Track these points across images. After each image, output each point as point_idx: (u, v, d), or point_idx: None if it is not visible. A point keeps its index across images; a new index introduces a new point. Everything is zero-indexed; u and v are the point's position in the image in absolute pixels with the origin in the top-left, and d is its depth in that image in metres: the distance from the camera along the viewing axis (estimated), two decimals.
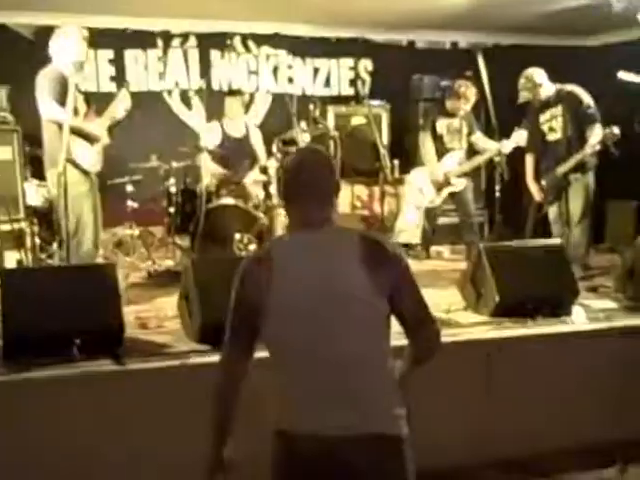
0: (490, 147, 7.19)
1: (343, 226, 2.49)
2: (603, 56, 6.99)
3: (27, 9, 7.43)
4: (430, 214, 7.45)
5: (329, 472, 2.31)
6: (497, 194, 6.94)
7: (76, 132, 5.37)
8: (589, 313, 5.16)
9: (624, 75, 7.12)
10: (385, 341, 2.45)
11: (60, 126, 5.29)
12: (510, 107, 7.35)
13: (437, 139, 7.32)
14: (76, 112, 5.46)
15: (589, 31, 9.29)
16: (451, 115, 7.33)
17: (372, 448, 2.32)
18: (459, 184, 7.23)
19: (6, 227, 6.25)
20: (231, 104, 7.31)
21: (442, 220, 7.71)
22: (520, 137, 6.94)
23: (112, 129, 5.84)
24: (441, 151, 7.30)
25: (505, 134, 7.27)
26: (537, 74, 6.52)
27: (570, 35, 9.33)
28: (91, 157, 5.61)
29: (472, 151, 7.39)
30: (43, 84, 5.43)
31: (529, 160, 6.70)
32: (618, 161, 6.22)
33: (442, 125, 7.32)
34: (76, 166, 5.43)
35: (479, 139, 7.34)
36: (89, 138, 5.58)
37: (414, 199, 7.51)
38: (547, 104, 6.51)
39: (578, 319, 5.04)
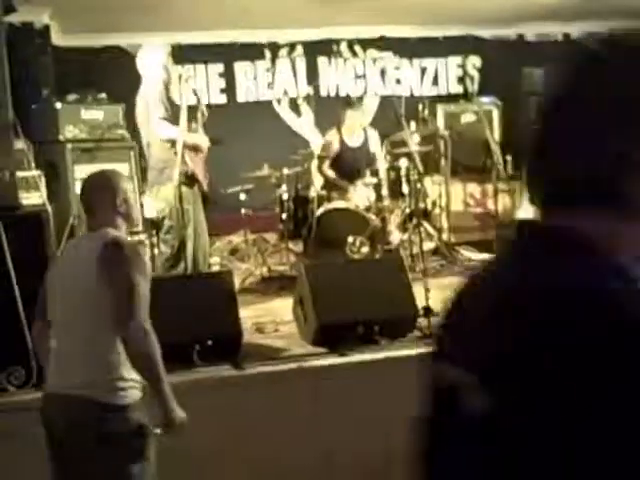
0: None
1: (105, 230, 2.83)
2: None
3: (136, 30, 7.67)
4: None
5: (46, 425, 2.76)
6: None
7: (186, 146, 5.50)
8: None
9: None
10: (103, 322, 2.68)
11: (171, 142, 5.46)
12: None
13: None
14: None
15: None
16: None
17: (67, 407, 2.71)
18: None
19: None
20: (352, 116, 7.27)
21: None
22: None
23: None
24: None
25: None
26: None
27: None
28: (200, 169, 5.73)
29: None
30: (148, 105, 5.60)
31: None
32: None
33: None
34: (187, 178, 5.55)
35: None
36: (196, 149, 5.70)
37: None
38: None
39: None
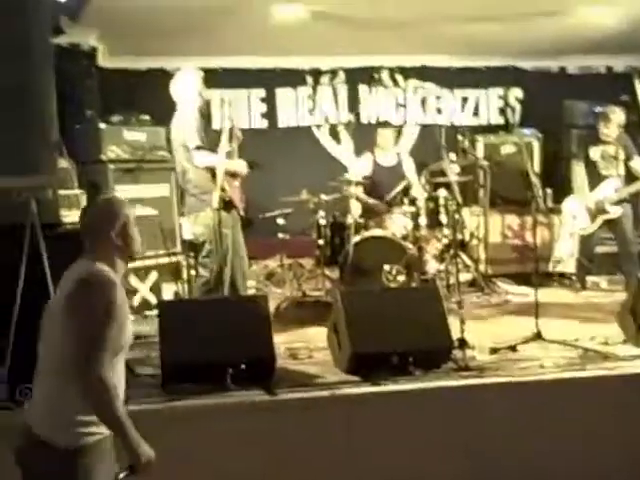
0: None
1: (88, 261, 2.76)
2: None
3: (180, 54, 7.78)
4: (586, 243, 7.16)
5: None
6: None
7: (225, 172, 5.54)
8: None
9: None
10: (62, 366, 2.63)
11: (209, 170, 5.52)
12: None
13: (591, 166, 7.04)
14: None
15: None
16: (605, 141, 7.05)
17: (34, 450, 2.68)
18: (615, 212, 6.92)
19: (164, 260, 6.53)
20: (383, 134, 7.43)
21: (600, 249, 7.39)
22: None
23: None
24: (597, 179, 7.01)
25: None
26: None
27: None
28: (237, 194, 5.75)
29: (631, 177, 7.06)
30: (183, 133, 5.65)
31: None
32: None
33: (596, 152, 7.04)
34: (225, 204, 5.58)
35: (636, 165, 7.01)
36: (234, 175, 5.73)
37: (568, 227, 7.26)
38: None
39: None
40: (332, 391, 4.27)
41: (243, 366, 4.30)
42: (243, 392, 4.23)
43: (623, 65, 9.28)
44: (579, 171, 7.09)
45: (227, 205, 5.59)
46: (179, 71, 6.01)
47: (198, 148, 5.60)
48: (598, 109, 8.29)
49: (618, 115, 6.98)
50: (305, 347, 5.18)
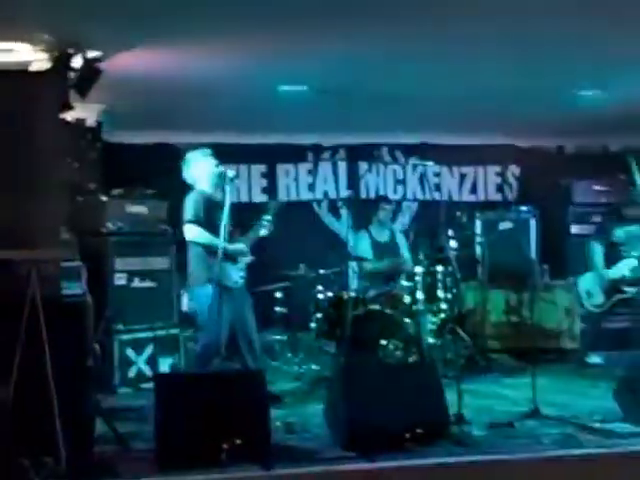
0: None
1: None
2: None
3: (184, 128, 7.94)
4: (594, 319, 7.15)
5: None
6: None
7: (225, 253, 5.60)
8: None
9: None
10: None
11: (205, 247, 5.60)
12: None
13: (614, 246, 7.03)
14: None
15: None
16: (630, 221, 7.07)
17: None
18: (630, 291, 6.92)
19: (161, 332, 6.55)
20: (384, 209, 7.53)
21: (607, 325, 7.35)
22: None
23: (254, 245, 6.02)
24: (616, 258, 7.02)
25: None
26: None
27: None
28: (235, 274, 5.78)
29: None
30: (188, 206, 5.74)
31: None
32: None
33: (620, 233, 7.04)
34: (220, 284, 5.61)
35: None
36: (234, 257, 5.76)
37: (575, 303, 7.25)
38: None
39: None
40: (328, 467, 4.24)
41: (239, 441, 4.28)
42: (238, 467, 4.20)
43: (618, 145, 9.43)
44: (596, 249, 7.09)
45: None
46: (192, 154, 6.03)
47: (191, 222, 5.66)
48: (597, 187, 8.41)
49: None
50: (302, 422, 5.15)
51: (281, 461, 4.30)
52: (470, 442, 4.62)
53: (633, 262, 6.92)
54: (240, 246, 5.78)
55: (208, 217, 5.67)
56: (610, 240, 7.02)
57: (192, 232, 5.68)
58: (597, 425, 4.96)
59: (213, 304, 5.40)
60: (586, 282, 7.14)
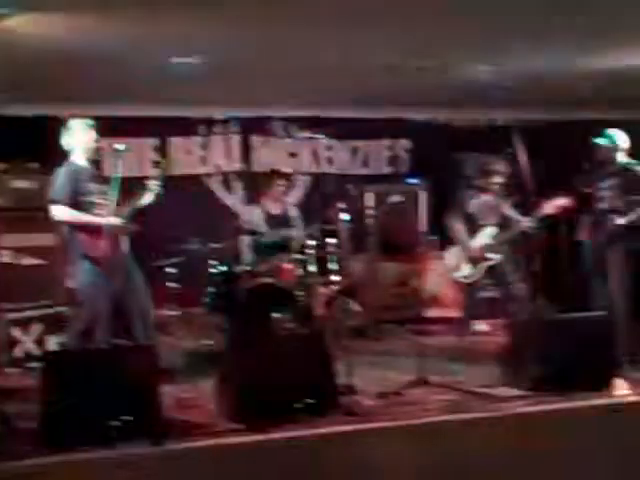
0: (520, 220, 7.15)
1: None
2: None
3: (70, 101, 7.72)
4: (470, 289, 7.40)
5: None
6: (535, 267, 6.84)
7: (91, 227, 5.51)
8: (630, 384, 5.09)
9: None
10: None
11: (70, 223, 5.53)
12: (547, 183, 7.35)
13: (471, 217, 7.30)
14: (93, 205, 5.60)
15: (622, 105, 9.30)
16: (483, 192, 7.33)
17: None
18: (495, 258, 7.19)
19: (49, 311, 6.41)
20: (277, 184, 7.52)
21: (483, 294, 7.63)
22: (548, 207, 6.93)
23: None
24: (475, 228, 7.28)
25: None
26: (618, 140, 6.48)
27: (603, 109, 9.35)
28: (104, 249, 5.63)
29: (506, 224, 7.35)
30: (56, 184, 5.61)
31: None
32: None
33: (474, 203, 7.31)
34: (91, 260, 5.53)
35: (510, 213, 7.32)
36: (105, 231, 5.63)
37: (451, 275, 7.49)
38: (612, 173, 6.44)
39: (619, 391, 4.97)
40: (218, 440, 4.26)
41: (128, 417, 4.25)
42: (129, 444, 4.17)
43: (504, 119, 9.68)
44: (455, 223, 7.33)
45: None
46: (71, 121, 5.87)
47: (54, 202, 5.55)
48: (480, 161, 8.65)
49: (498, 167, 7.28)
50: (193, 397, 5.15)
51: (172, 437, 4.30)
52: (359, 411, 4.72)
53: (492, 230, 7.19)
54: (113, 220, 5.63)
55: (81, 191, 5.56)
56: (467, 212, 7.27)
57: (57, 212, 5.55)
58: (480, 390, 5.16)
59: (89, 279, 5.33)
60: (452, 255, 7.37)
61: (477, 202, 7.27)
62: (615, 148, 6.43)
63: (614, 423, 4.72)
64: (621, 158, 6.42)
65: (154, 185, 5.84)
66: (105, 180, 5.74)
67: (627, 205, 6.17)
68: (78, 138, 5.72)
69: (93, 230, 5.49)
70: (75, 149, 5.73)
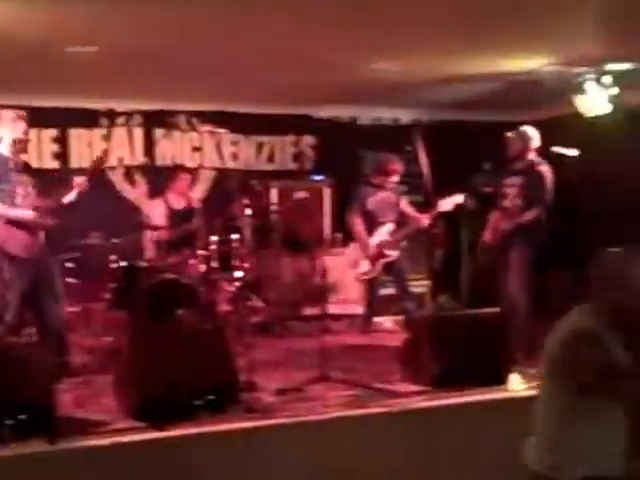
0: (418, 217, 7.29)
1: None
2: (538, 131, 7.21)
3: None
4: (370, 285, 7.50)
5: None
6: (436, 263, 7.01)
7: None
8: (526, 379, 5.24)
9: (557, 149, 7.34)
10: None
11: None
12: (447, 181, 7.54)
13: (368, 214, 7.40)
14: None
15: (523, 106, 9.60)
16: (380, 189, 7.43)
17: None
18: (392, 255, 7.31)
19: None
20: (181, 178, 7.46)
21: (383, 291, 7.75)
22: (445, 204, 7.09)
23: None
24: (374, 225, 7.39)
25: None
26: (529, 137, 6.60)
27: (506, 111, 9.62)
28: (21, 242, 5.53)
29: (403, 221, 7.48)
30: None
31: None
32: (556, 232, 6.43)
33: (373, 200, 7.41)
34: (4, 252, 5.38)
35: (408, 210, 7.45)
36: (20, 224, 5.51)
37: (351, 272, 7.58)
38: (518, 170, 6.57)
39: (514, 386, 5.12)
40: (118, 438, 4.20)
41: (23, 416, 4.14)
42: (22, 443, 4.07)
43: (407, 118, 9.84)
44: (354, 220, 7.43)
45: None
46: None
47: None
48: (379, 159, 8.78)
49: (394, 164, 7.38)
50: (92, 393, 5.06)
51: (69, 434, 4.22)
52: (260, 408, 4.73)
53: (389, 226, 7.33)
54: (22, 212, 5.50)
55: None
56: (366, 208, 7.39)
57: None
58: (380, 385, 5.24)
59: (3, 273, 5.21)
60: (352, 252, 7.48)
61: (375, 199, 7.38)
62: (526, 145, 6.56)
63: (509, 417, 4.86)
64: (531, 156, 6.56)
65: (81, 181, 5.74)
66: (30, 171, 5.64)
67: (529, 203, 6.33)
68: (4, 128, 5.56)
69: (9, 223, 5.35)
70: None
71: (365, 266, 7.31)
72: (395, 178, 7.38)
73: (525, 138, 6.54)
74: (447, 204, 7.10)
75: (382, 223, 7.35)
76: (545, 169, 6.43)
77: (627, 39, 6.34)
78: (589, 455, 2.89)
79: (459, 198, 7.09)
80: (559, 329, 3.01)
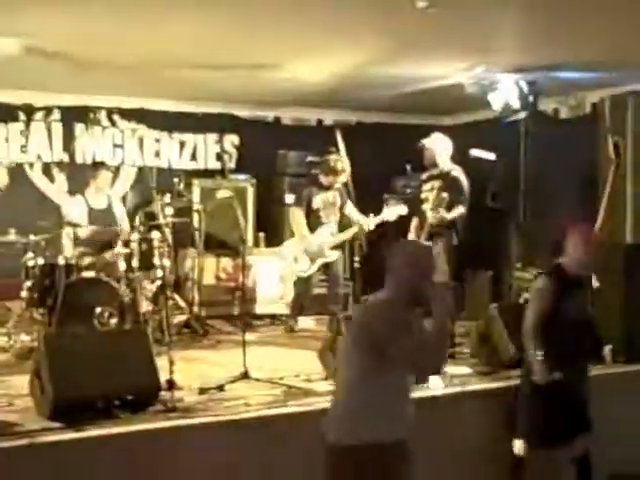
0: (359, 220, 7.34)
1: None
2: (457, 134, 7.35)
3: None
4: (304, 285, 7.51)
5: None
6: (356, 265, 7.02)
7: None
8: (445, 380, 5.33)
9: (476, 152, 7.50)
10: None
11: None
12: (371, 183, 7.64)
13: (313, 213, 7.42)
14: None
15: (444, 111, 9.78)
16: (326, 189, 7.46)
17: None
18: (332, 255, 7.36)
19: None
20: (102, 175, 7.35)
21: (313, 290, 7.74)
22: (389, 213, 7.18)
23: None
24: (317, 224, 7.41)
25: (364, 210, 7.43)
26: (439, 146, 6.71)
27: (428, 114, 9.78)
28: None
29: (345, 223, 7.52)
30: None
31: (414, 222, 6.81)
32: (474, 234, 6.58)
33: (318, 200, 7.43)
34: None
35: (351, 212, 7.49)
36: None
37: (285, 270, 7.59)
38: (434, 176, 6.68)
39: (435, 385, 5.20)
40: (31, 439, 4.12)
41: None
42: None
43: (331, 119, 9.91)
44: (297, 217, 7.44)
45: None
46: None
47: None
48: (310, 159, 8.82)
49: (341, 164, 7.41)
50: (5, 394, 4.95)
51: None
52: (180, 407, 4.70)
53: (332, 227, 7.39)
54: None
55: None
56: (311, 207, 7.43)
57: None
58: (302, 385, 5.27)
59: None
60: (291, 249, 7.50)
61: (321, 198, 7.41)
62: (439, 152, 6.69)
63: (430, 415, 4.95)
64: (444, 162, 6.69)
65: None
66: None
67: (447, 205, 6.45)
68: None
69: None
70: None
71: (305, 264, 7.33)
72: (343, 178, 7.41)
73: (436, 145, 6.72)
74: (391, 214, 7.20)
75: (325, 223, 7.37)
76: (459, 174, 6.61)
77: (543, 48, 6.52)
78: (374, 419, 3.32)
79: (402, 209, 7.18)
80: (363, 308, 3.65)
